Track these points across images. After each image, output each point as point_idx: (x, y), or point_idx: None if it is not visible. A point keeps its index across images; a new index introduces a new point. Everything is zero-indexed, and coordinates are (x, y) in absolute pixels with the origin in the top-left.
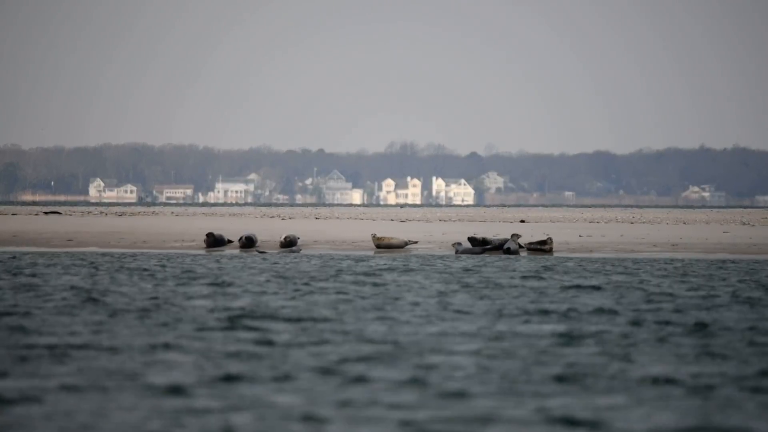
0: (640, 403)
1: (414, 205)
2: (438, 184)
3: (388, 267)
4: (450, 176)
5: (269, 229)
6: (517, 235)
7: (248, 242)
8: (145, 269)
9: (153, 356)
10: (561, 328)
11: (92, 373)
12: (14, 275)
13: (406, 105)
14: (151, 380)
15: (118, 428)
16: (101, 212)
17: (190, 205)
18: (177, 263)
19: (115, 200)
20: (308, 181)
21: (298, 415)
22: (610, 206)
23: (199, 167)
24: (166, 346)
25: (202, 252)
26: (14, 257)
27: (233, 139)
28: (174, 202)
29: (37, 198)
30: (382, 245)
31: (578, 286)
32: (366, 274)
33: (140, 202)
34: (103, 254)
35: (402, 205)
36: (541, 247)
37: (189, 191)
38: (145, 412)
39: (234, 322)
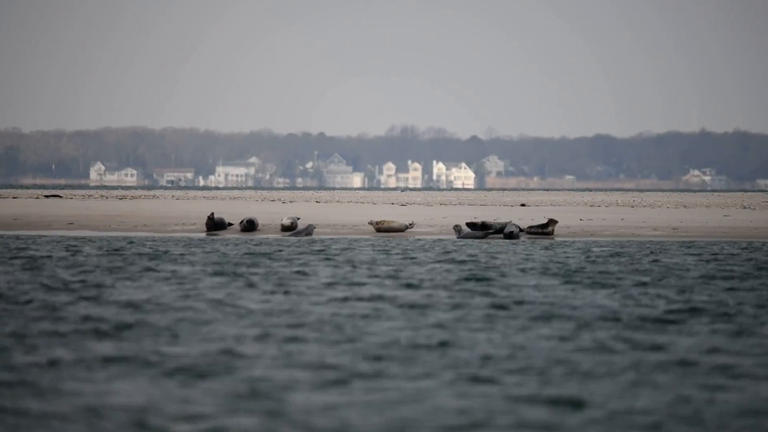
0: None
1: (415, 189)
2: (438, 167)
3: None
4: (451, 160)
5: (271, 212)
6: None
7: (249, 226)
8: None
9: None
10: None
11: None
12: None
13: (406, 88)
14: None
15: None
16: (102, 195)
17: (191, 188)
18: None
19: (115, 184)
20: (309, 165)
21: None
22: (610, 190)
23: (199, 151)
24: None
25: (203, 235)
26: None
27: (234, 122)
28: (174, 185)
29: (38, 181)
30: (382, 229)
31: None
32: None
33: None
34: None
35: (402, 189)
36: (543, 231)
37: (189, 175)
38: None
39: None
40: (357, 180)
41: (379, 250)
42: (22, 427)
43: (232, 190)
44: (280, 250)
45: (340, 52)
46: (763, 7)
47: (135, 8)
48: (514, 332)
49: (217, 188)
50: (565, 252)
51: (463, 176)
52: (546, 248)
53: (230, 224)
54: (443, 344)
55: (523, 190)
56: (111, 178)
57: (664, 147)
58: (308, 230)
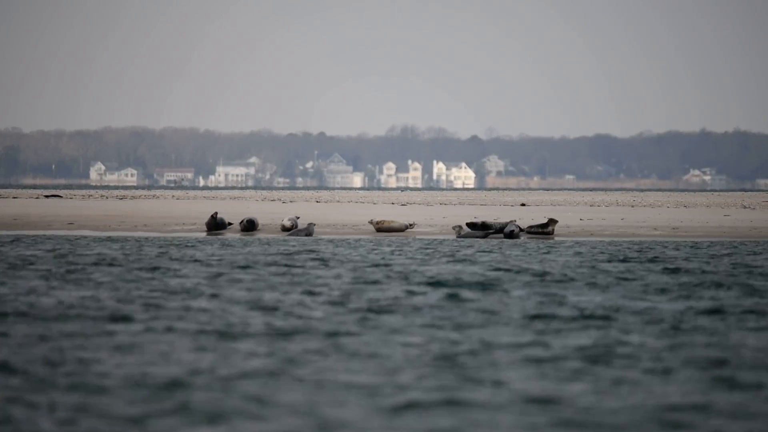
0: None
1: (415, 189)
2: (439, 167)
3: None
4: (451, 160)
5: (271, 212)
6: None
7: (249, 225)
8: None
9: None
10: None
11: None
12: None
13: (406, 88)
14: None
15: None
16: (102, 195)
17: (191, 188)
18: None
19: (116, 184)
20: (309, 165)
21: None
22: (610, 190)
23: (199, 151)
24: None
25: (203, 235)
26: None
27: (234, 122)
28: (176, 185)
29: (38, 182)
30: (382, 228)
31: None
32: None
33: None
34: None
35: (403, 189)
36: (543, 230)
37: (189, 175)
38: None
39: None
40: (357, 180)
41: (378, 250)
42: (13, 421)
43: (232, 190)
44: (279, 250)
45: (340, 52)
46: (763, 7)
47: (135, 8)
48: (509, 331)
49: (217, 188)
50: (564, 251)
51: (463, 176)
52: (545, 248)
53: (230, 224)
54: (438, 343)
55: (523, 189)
56: (111, 178)
57: (664, 147)
58: (308, 230)
